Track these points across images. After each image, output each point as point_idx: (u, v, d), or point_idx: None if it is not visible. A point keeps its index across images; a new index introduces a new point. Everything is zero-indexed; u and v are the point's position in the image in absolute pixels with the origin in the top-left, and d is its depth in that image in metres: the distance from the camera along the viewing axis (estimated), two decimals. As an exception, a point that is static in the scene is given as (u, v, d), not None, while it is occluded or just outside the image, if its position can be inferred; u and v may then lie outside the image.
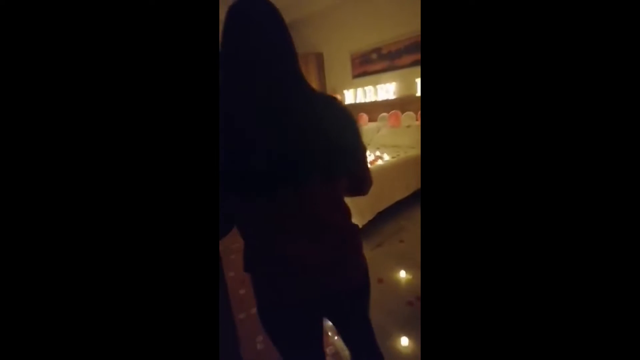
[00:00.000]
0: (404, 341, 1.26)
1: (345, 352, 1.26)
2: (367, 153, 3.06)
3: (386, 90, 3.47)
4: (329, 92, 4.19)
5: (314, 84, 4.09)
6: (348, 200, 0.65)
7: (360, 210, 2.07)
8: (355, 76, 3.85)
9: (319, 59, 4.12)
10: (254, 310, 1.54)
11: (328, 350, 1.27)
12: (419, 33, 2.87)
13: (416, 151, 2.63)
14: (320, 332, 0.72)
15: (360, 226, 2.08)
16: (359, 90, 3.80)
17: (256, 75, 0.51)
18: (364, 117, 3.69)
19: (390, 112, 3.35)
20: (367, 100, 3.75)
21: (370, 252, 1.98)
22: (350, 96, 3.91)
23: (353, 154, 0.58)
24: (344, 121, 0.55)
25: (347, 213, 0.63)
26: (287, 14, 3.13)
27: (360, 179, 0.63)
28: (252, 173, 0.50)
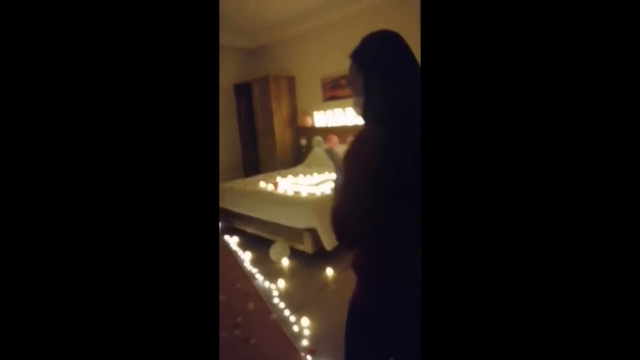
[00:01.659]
0: None
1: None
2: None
3: (355, 114, 3.66)
4: (300, 113, 4.30)
5: (286, 105, 4.19)
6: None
7: (330, 232, 2.13)
8: (326, 100, 4.01)
9: (291, 81, 4.25)
10: (224, 334, 1.50)
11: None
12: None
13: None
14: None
15: (331, 249, 2.13)
16: (329, 112, 3.96)
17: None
18: (334, 139, 3.84)
19: (329, 136, 3.65)
20: (337, 123, 3.91)
21: (341, 273, 2.03)
22: (321, 118, 4.06)
23: None
24: None
25: None
26: (261, 36, 3.22)
27: None
28: (401, 187, 0.56)
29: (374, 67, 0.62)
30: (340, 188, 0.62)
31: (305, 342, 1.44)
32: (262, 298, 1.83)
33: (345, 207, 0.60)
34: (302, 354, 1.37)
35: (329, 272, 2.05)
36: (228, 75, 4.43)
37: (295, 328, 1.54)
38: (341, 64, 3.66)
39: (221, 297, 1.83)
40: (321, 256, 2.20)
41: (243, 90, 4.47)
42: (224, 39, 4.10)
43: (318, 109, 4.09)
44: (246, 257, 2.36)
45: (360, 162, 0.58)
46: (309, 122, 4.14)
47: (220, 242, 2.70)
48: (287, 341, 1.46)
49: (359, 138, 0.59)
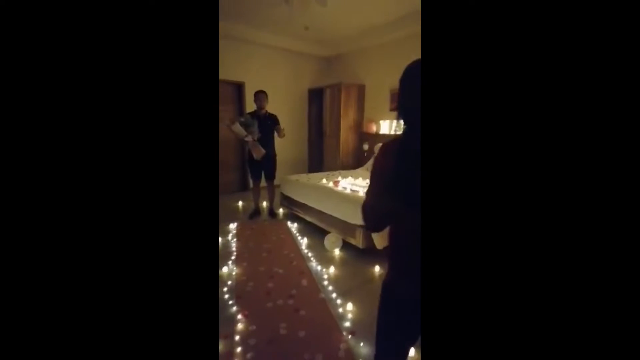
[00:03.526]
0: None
1: (359, 349, 1.44)
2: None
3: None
4: (366, 120, 4.49)
5: (353, 111, 4.42)
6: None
7: (381, 233, 2.26)
8: (392, 109, 4.13)
9: (361, 89, 4.47)
10: (280, 301, 1.77)
11: (341, 346, 1.46)
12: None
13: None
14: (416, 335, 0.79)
15: (381, 248, 2.26)
16: (395, 122, 4.07)
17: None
18: (396, 147, 3.94)
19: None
20: (401, 131, 4.01)
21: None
22: (386, 126, 4.18)
23: None
24: None
25: None
26: (337, 47, 3.57)
27: None
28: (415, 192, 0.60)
29: (408, 92, 0.71)
30: (369, 185, 0.74)
31: (347, 324, 1.60)
32: (314, 278, 2.05)
33: (369, 200, 0.72)
34: (344, 333, 1.53)
35: (377, 269, 2.19)
36: (304, 81, 4.86)
37: (340, 310, 1.71)
38: (413, 75, 3.74)
39: (279, 270, 2.12)
40: (371, 253, 2.33)
41: (316, 95, 4.84)
42: (304, 47, 4.52)
43: (384, 117, 4.23)
44: (303, 242, 2.64)
45: (380, 164, 0.70)
46: (373, 128, 4.30)
47: (284, 225, 3.04)
48: (331, 319, 1.63)
49: (382, 145, 0.72)
